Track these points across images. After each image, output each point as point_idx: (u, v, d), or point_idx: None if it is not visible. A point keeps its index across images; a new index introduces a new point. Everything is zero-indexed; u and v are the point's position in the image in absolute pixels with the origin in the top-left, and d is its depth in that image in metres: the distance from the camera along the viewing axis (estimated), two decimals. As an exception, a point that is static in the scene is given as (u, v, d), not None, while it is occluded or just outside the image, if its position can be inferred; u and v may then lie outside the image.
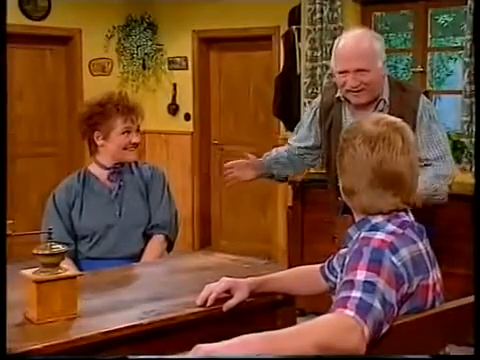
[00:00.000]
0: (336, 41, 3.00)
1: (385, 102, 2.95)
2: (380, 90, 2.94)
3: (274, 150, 3.32)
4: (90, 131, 2.98)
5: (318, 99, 3.21)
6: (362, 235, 1.73)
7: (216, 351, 1.49)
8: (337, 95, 3.03)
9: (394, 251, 1.65)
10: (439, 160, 2.89)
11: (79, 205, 2.98)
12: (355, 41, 2.90)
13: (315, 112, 3.16)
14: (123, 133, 2.96)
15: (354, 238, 1.78)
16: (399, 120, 1.84)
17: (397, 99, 2.94)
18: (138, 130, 3.02)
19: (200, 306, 2.04)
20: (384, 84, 2.96)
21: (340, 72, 2.92)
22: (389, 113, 2.83)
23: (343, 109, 3.04)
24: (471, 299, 1.78)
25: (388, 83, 2.98)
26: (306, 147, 3.21)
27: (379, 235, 1.69)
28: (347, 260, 1.70)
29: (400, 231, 1.73)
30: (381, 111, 2.92)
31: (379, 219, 1.77)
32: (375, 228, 1.74)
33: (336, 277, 2.00)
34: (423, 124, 2.90)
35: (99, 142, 2.99)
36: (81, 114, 3.03)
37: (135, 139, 2.98)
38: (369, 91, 2.90)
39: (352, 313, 1.51)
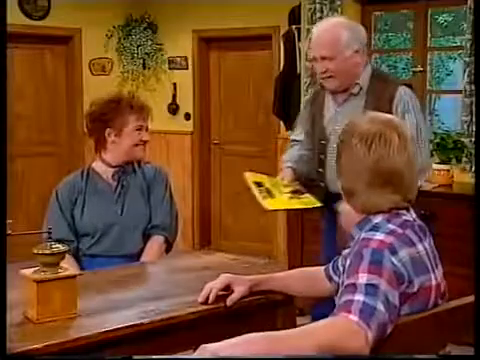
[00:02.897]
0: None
1: (360, 87, 3.03)
2: (353, 77, 3.02)
3: (286, 155, 3.28)
4: (102, 128, 3.00)
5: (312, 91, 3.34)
6: (362, 236, 1.73)
7: (221, 350, 1.49)
8: (319, 82, 3.18)
9: (393, 252, 1.65)
10: None
11: (81, 202, 2.99)
12: (323, 30, 3.05)
13: (308, 103, 3.31)
14: (136, 130, 3.01)
15: (356, 239, 1.78)
16: (394, 117, 1.86)
17: (374, 87, 3.03)
18: (147, 129, 3.09)
19: (202, 304, 2.04)
20: (364, 71, 3.04)
21: (311, 59, 3.12)
22: (365, 100, 2.99)
23: (326, 96, 3.15)
24: (471, 299, 1.78)
25: (371, 72, 3.07)
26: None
27: (378, 235, 1.69)
28: (348, 263, 1.70)
29: (400, 231, 1.72)
30: (356, 95, 3.03)
31: (379, 218, 1.76)
32: (375, 228, 1.73)
33: (339, 277, 1.99)
34: (397, 114, 2.94)
35: (111, 139, 3.01)
36: (92, 112, 3.05)
37: (146, 137, 3.06)
38: (337, 78, 3.01)
39: (356, 318, 1.51)
